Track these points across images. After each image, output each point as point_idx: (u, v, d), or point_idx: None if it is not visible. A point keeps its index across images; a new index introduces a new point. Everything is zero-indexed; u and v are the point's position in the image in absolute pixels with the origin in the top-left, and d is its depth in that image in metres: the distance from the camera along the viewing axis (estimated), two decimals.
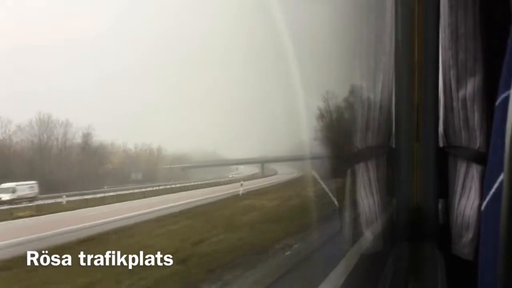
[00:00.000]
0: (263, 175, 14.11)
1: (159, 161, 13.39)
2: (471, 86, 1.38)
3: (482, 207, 0.85)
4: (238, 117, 11.78)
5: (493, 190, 0.78)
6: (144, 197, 10.55)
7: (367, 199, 1.47)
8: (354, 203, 1.48)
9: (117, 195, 10.44)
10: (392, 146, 1.61)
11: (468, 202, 1.41)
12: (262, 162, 14.36)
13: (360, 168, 1.47)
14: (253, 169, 14.69)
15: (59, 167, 10.83)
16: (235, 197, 10.16)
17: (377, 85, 1.47)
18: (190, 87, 11.42)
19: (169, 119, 11.94)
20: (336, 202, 1.70)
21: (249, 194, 10.53)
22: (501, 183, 0.71)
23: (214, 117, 11.71)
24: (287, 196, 9.95)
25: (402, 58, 1.55)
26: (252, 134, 12.11)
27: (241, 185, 10.97)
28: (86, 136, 11.40)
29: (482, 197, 1.26)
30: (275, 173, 14.49)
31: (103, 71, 10.91)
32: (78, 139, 11.29)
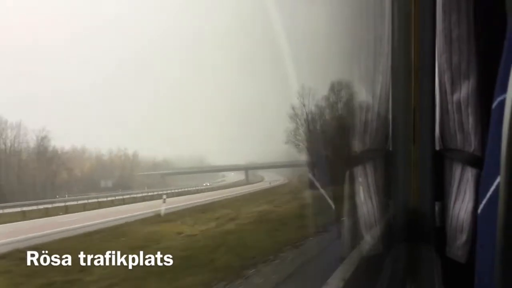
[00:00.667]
0: (247, 182, 14.11)
1: (134, 167, 13.13)
2: (465, 89, 1.46)
3: (479, 210, 0.88)
4: (231, 122, 11.65)
5: (489, 193, 0.81)
6: (67, 213, 9.10)
7: (366, 203, 1.55)
8: (353, 207, 1.55)
9: (47, 209, 9.00)
10: (389, 148, 1.70)
11: (462, 205, 1.48)
12: (246, 169, 14.39)
13: (358, 172, 1.56)
14: (241, 176, 14.52)
15: (7, 174, 10.23)
16: (154, 218, 8.34)
17: (376, 87, 1.56)
18: (181, 89, 11.32)
19: (157, 123, 11.74)
20: (333, 206, 1.78)
21: (181, 212, 8.83)
22: (497, 186, 0.74)
23: (205, 122, 11.57)
24: (234, 215, 8.38)
25: (399, 61, 1.65)
26: (245, 139, 11.98)
27: (164, 201, 9.28)
28: (42, 140, 10.81)
29: (476, 200, 1.34)
30: (261, 180, 14.50)
31: (87, 71, 10.70)
32: (32, 143, 10.68)
